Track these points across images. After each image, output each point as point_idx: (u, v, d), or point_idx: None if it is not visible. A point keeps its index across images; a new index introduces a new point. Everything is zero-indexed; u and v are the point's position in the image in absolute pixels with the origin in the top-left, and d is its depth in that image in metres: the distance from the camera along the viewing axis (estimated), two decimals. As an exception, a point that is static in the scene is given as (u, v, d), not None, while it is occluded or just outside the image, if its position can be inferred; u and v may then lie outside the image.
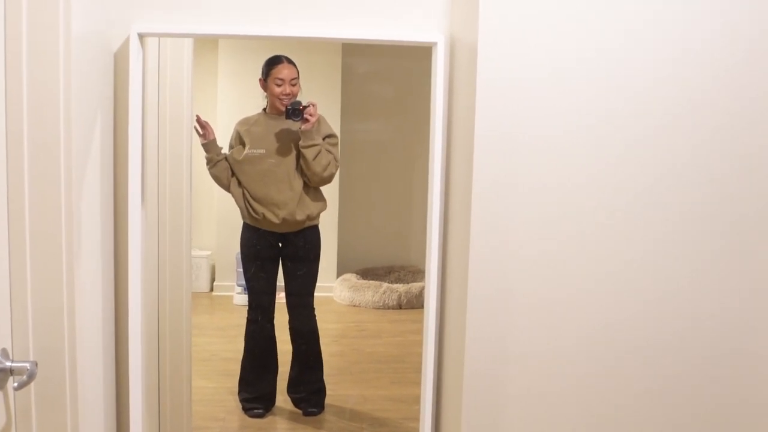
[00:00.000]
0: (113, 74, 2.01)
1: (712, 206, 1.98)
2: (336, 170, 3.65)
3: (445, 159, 2.11)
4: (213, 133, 3.64)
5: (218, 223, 6.20)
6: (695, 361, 2.05)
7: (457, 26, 2.05)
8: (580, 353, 2.03)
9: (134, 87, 1.97)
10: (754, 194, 1.98)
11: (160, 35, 2.15)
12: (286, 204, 3.64)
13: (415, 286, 5.77)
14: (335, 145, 3.66)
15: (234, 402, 3.92)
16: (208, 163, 3.68)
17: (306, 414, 3.80)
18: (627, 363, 2.04)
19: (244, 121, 3.75)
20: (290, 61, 3.64)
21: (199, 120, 3.60)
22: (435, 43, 2.03)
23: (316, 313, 3.89)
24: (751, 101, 1.95)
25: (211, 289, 6.30)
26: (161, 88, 2.57)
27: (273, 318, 3.91)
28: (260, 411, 3.83)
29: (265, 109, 3.73)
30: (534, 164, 1.93)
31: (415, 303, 5.58)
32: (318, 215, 3.79)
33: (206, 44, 5.97)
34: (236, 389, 3.96)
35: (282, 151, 3.62)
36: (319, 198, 3.76)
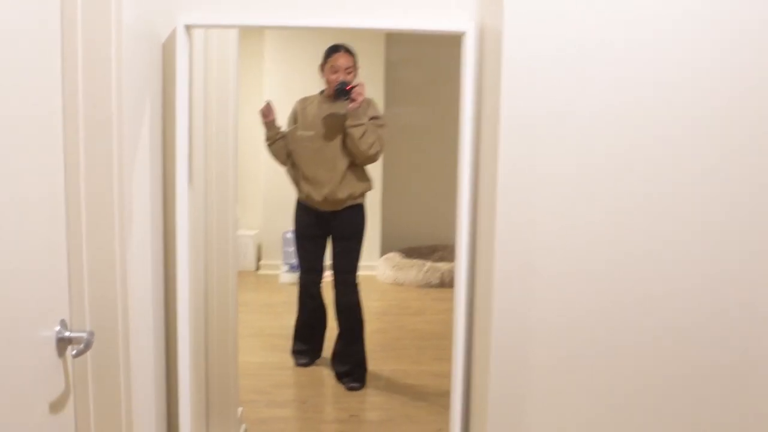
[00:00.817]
0: (161, 63, 2.12)
1: (736, 181, 2.04)
2: (381, 149, 3.78)
3: (474, 141, 2.19)
4: (273, 115, 3.87)
5: (264, 204, 6.33)
6: (719, 326, 2.11)
7: (485, 15, 2.13)
8: (602, 324, 2.10)
9: (181, 76, 2.08)
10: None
11: (206, 26, 2.25)
12: (329, 182, 3.81)
13: (458, 265, 5.82)
14: (381, 126, 3.80)
15: (281, 376, 4.07)
16: (267, 140, 3.93)
17: (348, 389, 3.95)
18: (650, 330, 2.11)
19: (303, 100, 3.95)
20: (348, 50, 3.77)
21: (268, 105, 3.87)
22: (464, 32, 2.11)
23: (359, 289, 4.06)
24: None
25: (258, 268, 6.44)
26: (208, 74, 2.66)
27: (320, 288, 4.15)
28: (306, 361, 4.23)
29: (323, 92, 3.89)
30: (557, 143, 2.00)
31: (459, 281, 5.65)
32: (362, 194, 3.94)
33: (252, 30, 6.08)
34: (283, 364, 4.22)
35: (329, 133, 3.79)
36: (364, 178, 3.92)
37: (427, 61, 6.46)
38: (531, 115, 1.98)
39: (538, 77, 1.97)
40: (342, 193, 3.83)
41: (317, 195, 3.83)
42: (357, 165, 3.85)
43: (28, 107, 1.46)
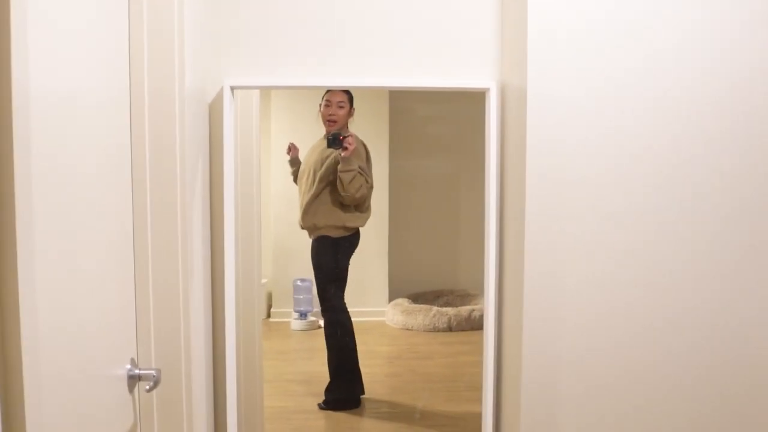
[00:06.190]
0: (208, 122, 2.30)
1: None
2: (366, 192, 4.24)
3: (499, 192, 2.34)
4: (296, 151, 4.36)
5: (274, 252, 6.44)
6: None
7: (507, 73, 2.30)
8: (633, 362, 2.22)
9: (228, 132, 2.26)
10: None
11: (248, 87, 2.44)
12: (302, 208, 4.25)
13: (463, 310, 5.96)
14: (367, 172, 4.23)
15: (298, 420, 4.17)
16: (292, 174, 4.41)
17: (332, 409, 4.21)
18: (681, 358, 2.23)
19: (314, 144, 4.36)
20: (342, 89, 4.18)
21: (292, 143, 4.34)
22: (488, 89, 2.30)
23: (345, 317, 4.41)
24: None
25: (269, 316, 6.55)
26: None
27: (345, 319, 4.43)
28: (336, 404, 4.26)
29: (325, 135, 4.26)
30: (580, 194, 2.15)
31: (465, 325, 5.77)
32: (326, 227, 4.29)
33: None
34: (302, 408, 4.32)
35: (315, 167, 4.20)
36: (333, 212, 4.26)
37: (429, 115, 6.69)
38: (554, 165, 2.12)
39: (560, 131, 2.12)
40: (308, 222, 4.24)
41: (300, 221, 4.26)
42: (333, 202, 4.21)
43: (106, 159, 1.63)
